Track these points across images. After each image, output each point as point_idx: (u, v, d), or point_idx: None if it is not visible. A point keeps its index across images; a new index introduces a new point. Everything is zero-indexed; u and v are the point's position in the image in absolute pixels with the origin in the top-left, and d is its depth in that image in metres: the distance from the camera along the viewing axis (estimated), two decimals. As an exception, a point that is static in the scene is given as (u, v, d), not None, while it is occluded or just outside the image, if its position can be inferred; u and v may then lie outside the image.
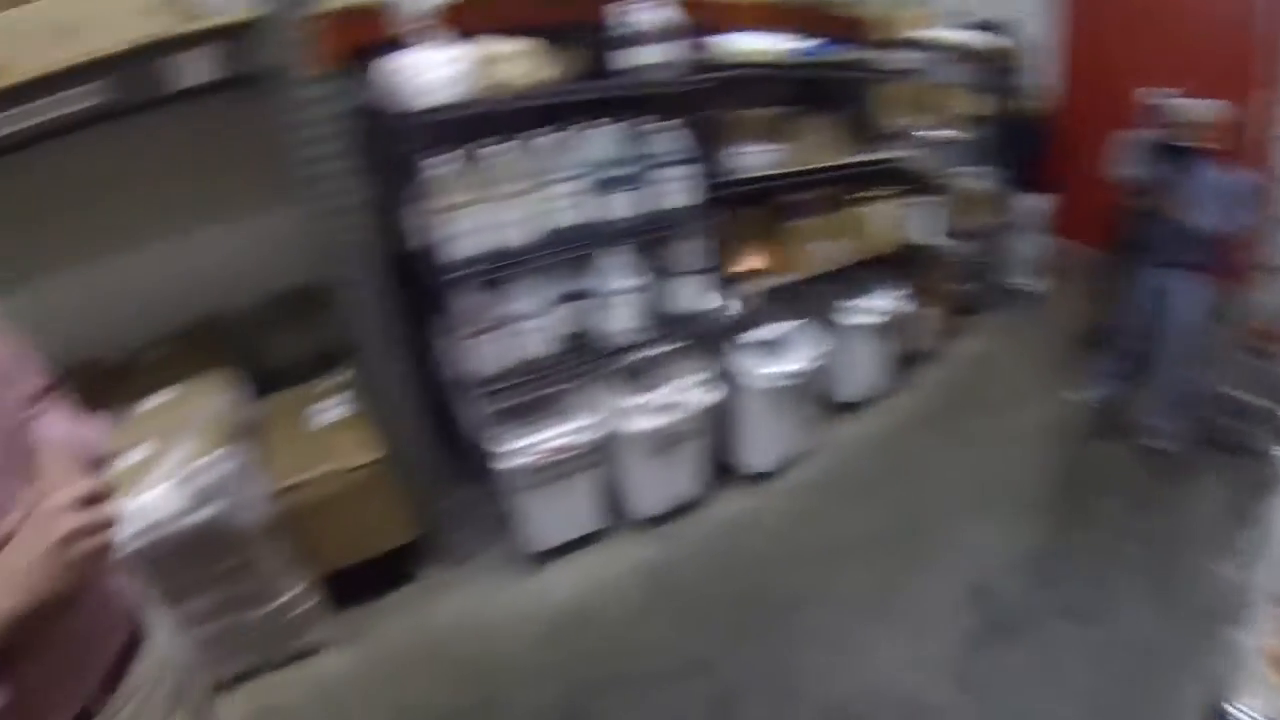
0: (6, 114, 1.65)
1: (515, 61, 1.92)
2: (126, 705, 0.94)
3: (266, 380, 2.47)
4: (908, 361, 3.10)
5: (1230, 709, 1.08)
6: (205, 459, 1.94)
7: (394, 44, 1.88)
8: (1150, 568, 2.19)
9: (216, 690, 2.09)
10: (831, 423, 2.91)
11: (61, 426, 0.97)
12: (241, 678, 2.15)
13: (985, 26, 3.80)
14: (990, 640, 2.00)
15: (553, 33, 2.08)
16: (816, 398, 2.74)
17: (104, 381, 2.55)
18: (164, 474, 1.92)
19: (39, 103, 1.66)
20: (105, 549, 0.79)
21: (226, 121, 2.24)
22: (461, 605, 2.33)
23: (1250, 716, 1.06)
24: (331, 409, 2.30)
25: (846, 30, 2.68)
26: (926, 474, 2.68)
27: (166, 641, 1.07)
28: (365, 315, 2.04)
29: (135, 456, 2.05)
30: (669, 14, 2.03)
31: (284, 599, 2.14)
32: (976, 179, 3.48)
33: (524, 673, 2.10)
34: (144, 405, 2.33)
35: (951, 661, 1.95)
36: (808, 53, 2.45)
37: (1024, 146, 3.75)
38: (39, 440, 0.92)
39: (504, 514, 2.37)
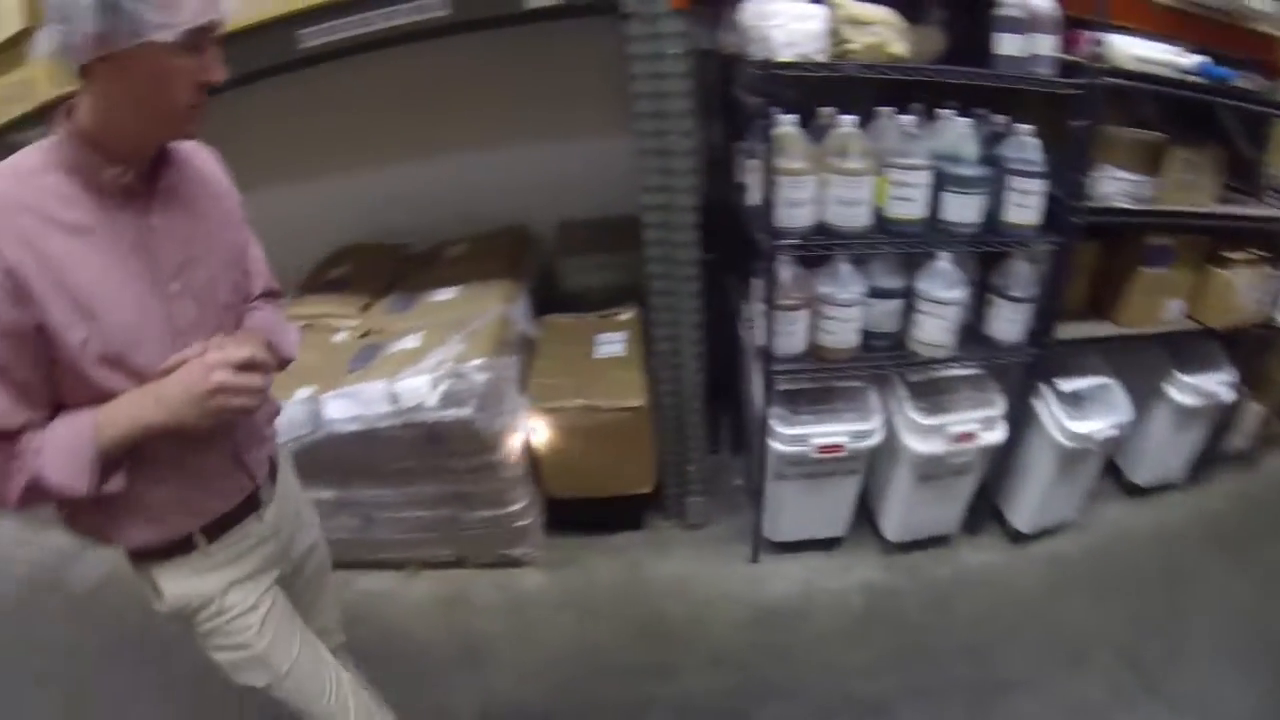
0: (355, 18, 1.83)
1: (875, 30, 1.78)
2: (222, 551, 1.11)
3: (558, 301, 2.58)
4: (1213, 458, 2.66)
5: None
6: (469, 363, 2.05)
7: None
8: None
9: (422, 566, 2.32)
10: (1109, 501, 2.56)
11: (267, 320, 1.15)
12: (444, 564, 2.32)
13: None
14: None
15: (917, 6, 1.91)
16: (1102, 469, 2.41)
17: (406, 266, 2.80)
18: (428, 366, 2.05)
19: (380, 11, 1.81)
20: (244, 410, 0.96)
21: (569, 45, 2.32)
22: (677, 568, 2.32)
23: None
24: (611, 344, 2.35)
25: (1252, 50, 2.25)
26: (1197, 594, 2.25)
27: (282, 514, 1.21)
28: (673, 259, 2.04)
29: (409, 343, 2.20)
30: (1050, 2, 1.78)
31: (509, 509, 2.24)
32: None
33: (710, 652, 2.06)
34: (433, 296, 2.51)
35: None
36: (1203, 70, 2.09)
37: None
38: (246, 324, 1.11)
39: (752, 493, 2.31)
